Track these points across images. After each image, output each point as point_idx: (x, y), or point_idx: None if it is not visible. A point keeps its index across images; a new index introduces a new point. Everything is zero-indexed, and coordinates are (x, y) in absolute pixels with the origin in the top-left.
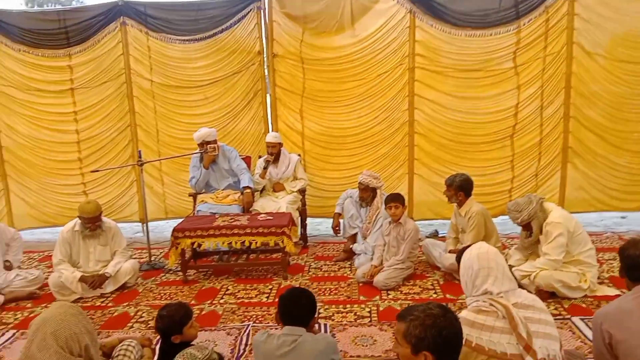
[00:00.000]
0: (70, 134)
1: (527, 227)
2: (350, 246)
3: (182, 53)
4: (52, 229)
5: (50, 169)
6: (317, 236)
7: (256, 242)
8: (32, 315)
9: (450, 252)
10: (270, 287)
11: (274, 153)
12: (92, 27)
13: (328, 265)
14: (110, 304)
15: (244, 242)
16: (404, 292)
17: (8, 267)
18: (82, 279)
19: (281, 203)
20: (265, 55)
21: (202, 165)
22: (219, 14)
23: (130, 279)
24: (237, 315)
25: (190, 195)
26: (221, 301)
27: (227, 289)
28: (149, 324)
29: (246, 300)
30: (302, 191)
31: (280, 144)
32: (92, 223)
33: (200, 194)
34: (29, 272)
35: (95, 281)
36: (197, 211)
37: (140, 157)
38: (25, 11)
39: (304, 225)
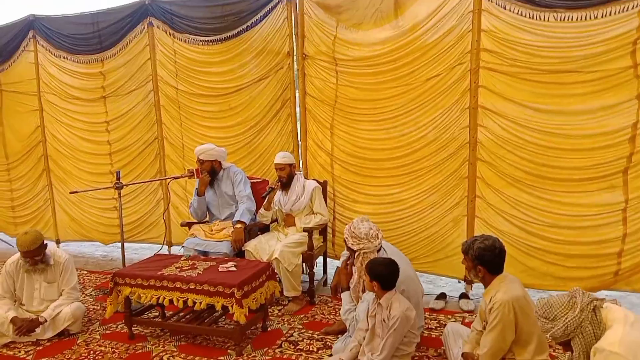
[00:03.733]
0: (103, 145)
1: (565, 346)
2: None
3: (206, 56)
4: (91, 244)
5: (86, 181)
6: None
7: (201, 303)
8: None
9: (463, 356)
10: None
11: (283, 177)
12: (122, 30)
13: (314, 338)
14: (28, 358)
15: (186, 300)
16: None
17: None
18: (13, 321)
19: (277, 245)
20: (295, 57)
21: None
22: (246, 8)
23: (71, 326)
24: None
25: (182, 224)
26: None
27: (161, 359)
28: None
29: None
30: (321, 230)
31: (292, 166)
32: (29, 257)
33: (202, 222)
34: None
35: (23, 326)
36: (182, 247)
37: (118, 178)
38: (64, 15)
39: (310, 275)
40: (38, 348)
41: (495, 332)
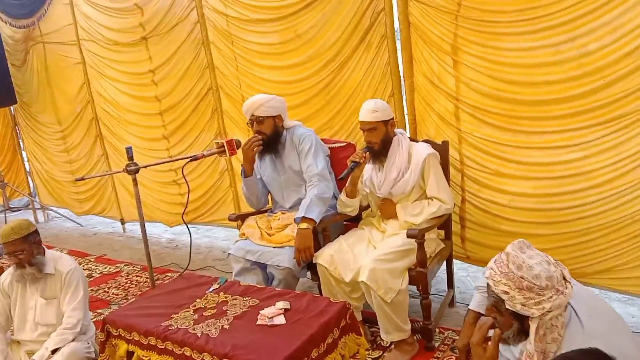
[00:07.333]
0: (152, 102)
1: None
2: None
3: None
4: (153, 224)
5: (140, 149)
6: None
7: None
8: None
9: None
10: None
11: (375, 143)
12: None
13: None
14: None
15: None
16: None
17: None
18: None
19: (365, 259)
20: None
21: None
22: None
23: None
24: None
25: (230, 218)
26: None
27: None
28: None
29: None
30: (442, 222)
31: (388, 124)
32: (9, 254)
33: (261, 212)
34: None
35: None
36: (228, 254)
37: (131, 158)
38: None
39: (425, 306)
40: None
41: None
